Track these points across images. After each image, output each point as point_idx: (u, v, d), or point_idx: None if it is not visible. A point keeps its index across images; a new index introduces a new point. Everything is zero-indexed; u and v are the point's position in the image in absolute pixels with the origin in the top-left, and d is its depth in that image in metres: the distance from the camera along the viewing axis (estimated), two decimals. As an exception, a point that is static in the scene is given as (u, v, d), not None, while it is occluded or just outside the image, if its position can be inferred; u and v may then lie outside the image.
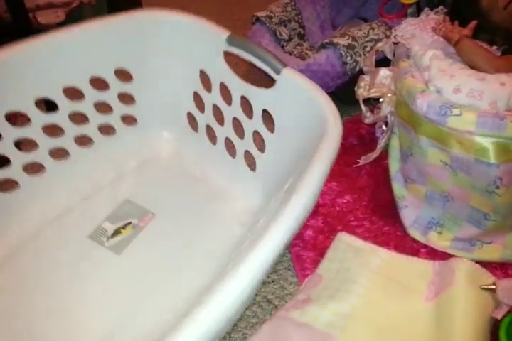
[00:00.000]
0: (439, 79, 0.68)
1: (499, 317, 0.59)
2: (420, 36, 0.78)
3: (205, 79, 0.82)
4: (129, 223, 0.77)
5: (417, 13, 1.03)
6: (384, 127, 0.84)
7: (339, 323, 0.60)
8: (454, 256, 0.71)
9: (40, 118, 0.74)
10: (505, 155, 0.62)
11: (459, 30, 0.74)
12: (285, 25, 1.19)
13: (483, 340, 0.57)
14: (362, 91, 0.82)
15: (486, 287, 0.60)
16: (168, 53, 0.82)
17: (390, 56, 0.84)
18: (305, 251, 0.75)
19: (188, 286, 0.67)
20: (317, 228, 0.79)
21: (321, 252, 0.74)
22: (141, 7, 1.86)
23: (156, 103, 0.86)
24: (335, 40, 1.00)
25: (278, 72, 0.70)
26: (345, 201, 0.85)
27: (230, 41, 0.74)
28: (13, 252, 0.71)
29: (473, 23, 0.74)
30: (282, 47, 1.18)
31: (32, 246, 0.73)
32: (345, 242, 0.74)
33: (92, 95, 0.78)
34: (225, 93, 0.80)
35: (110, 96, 0.81)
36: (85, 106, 0.78)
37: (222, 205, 0.82)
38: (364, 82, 0.82)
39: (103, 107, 0.82)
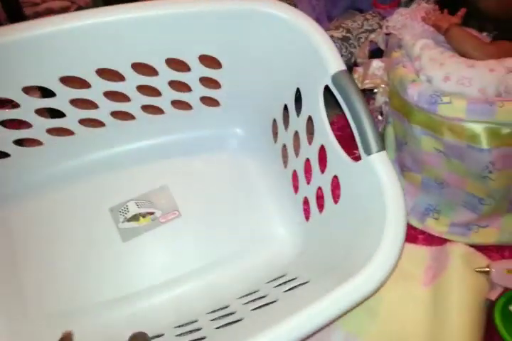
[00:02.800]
0: (429, 68, 0.69)
1: (494, 298, 0.60)
2: (411, 26, 0.79)
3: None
4: (152, 213, 0.72)
5: (410, 2, 1.04)
6: (380, 117, 0.86)
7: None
8: (450, 241, 0.72)
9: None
10: (497, 140, 0.63)
11: (448, 18, 0.75)
12: (281, 20, 1.20)
13: (479, 321, 0.59)
14: (356, 82, 0.83)
15: (480, 270, 0.62)
16: (268, 55, 0.72)
17: (382, 47, 0.85)
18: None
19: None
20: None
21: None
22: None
23: (242, 96, 0.77)
24: (329, 33, 1.01)
25: (369, 153, 0.56)
26: (344, 191, 0.86)
27: (335, 80, 0.64)
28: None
29: (462, 11, 0.75)
30: (279, 41, 1.19)
31: (56, 198, 0.73)
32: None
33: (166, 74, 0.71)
34: (309, 127, 0.70)
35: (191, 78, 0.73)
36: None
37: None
38: (358, 73, 0.83)
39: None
